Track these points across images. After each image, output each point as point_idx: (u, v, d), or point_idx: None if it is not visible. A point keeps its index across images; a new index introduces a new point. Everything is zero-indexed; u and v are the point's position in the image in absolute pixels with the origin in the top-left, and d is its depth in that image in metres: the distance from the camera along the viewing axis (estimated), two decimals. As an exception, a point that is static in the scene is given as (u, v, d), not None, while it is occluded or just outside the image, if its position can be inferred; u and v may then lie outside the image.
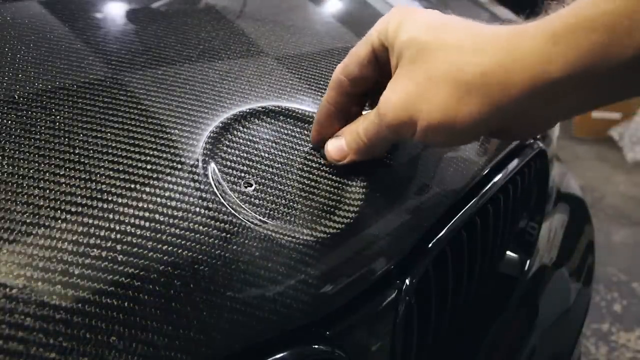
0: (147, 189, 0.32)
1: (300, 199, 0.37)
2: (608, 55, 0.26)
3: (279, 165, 0.38)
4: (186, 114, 0.38)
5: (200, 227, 0.31)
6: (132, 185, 0.32)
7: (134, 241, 0.29)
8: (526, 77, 0.28)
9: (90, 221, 0.30)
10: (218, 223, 0.32)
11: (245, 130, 0.39)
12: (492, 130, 0.33)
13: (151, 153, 0.34)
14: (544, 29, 0.28)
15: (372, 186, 0.39)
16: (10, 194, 0.30)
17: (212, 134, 0.37)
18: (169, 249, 0.30)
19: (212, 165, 0.35)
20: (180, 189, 0.33)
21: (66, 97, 0.37)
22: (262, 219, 0.34)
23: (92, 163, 0.33)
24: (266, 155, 0.38)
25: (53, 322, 0.26)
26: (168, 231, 0.31)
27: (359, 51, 0.36)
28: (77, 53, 0.42)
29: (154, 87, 0.40)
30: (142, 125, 0.36)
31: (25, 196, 0.30)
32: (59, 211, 0.29)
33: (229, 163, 0.36)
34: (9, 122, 0.34)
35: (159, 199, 0.32)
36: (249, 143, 0.38)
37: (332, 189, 0.38)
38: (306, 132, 0.41)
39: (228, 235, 0.32)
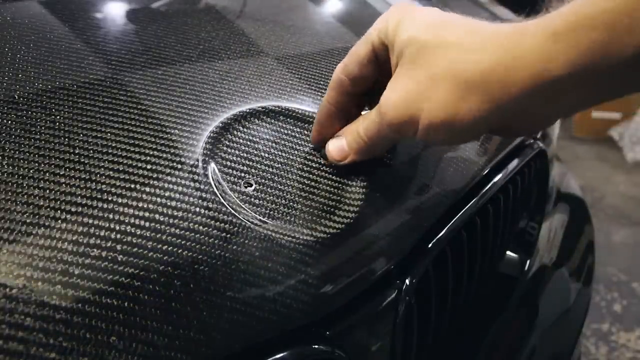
0: (147, 189, 0.32)
1: (300, 199, 0.36)
2: (608, 53, 0.26)
3: (279, 165, 0.38)
4: (186, 114, 0.38)
5: (200, 227, 0.31)
6: (132, 185, 0.32)
7: (134, 241, 0.29)
8: (527, 75, 0.28)
9: (90, 221, 0.30)
10: (218, 223, 0.32)
11: (245, 130, 0.39)
12: (492, 127, 0.33)
13: (151, 153, 0.34)
14: (544, 27, 0.28)
15: (372, 186, 0.39)
16: (10, 194, 0.30)
17: (212, 134, 0.37)
18: (169, 249, 0.30)
19: (212, 165, 0.35)
20: (180, 189, 0.33)
21: (66, 97, 0.37)
22: (262, 219, 0.34)
23: (92, 163, 0.33)
24: (266, 155, 0.38)
25: (53, 322, 0.26)
26: (168, 231, 0.31)
27: (359, 50, 0.36)
28: (77, 53, 0.42)
29: (154, 87, 0.40)
30: (142, 125, 0.36)
31: (25, 196, 0.30)
32: (59, 211, 0.29)
33: (229, 163, 0.36)
34: (9, 122, 0.34)
35: (159, 199, 0.32)
36: (249, 143, 0.38)
37: (332, 189, 0.38)
38: (306, 132, 0.41)
39: (228, 235, 0.32)
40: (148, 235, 0.30)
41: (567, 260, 0.73)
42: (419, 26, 0.32)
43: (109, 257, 0.28)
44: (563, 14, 0.27)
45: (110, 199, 0.31)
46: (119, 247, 0.29)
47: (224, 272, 0.31)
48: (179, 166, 0.34)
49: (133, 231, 0.30)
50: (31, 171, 0.31)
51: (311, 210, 0.36)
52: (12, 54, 0.39)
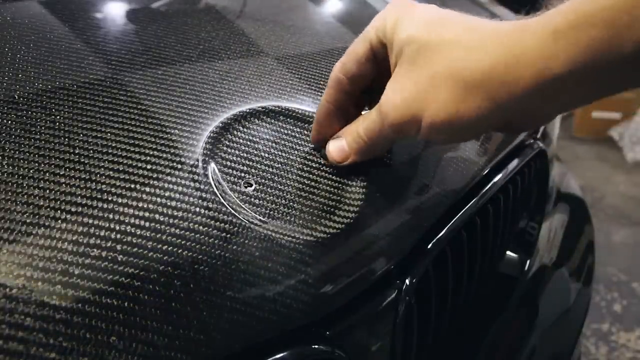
0: (147, 189, 0.32)
1: (300, 199, 0.36)
2: (608, 50, 0.26)
3: (279, 165, 0.38)
4: (186, 114, 0.38)
5: (200, 227, 0.31)
6: (132, 185, 0.32)
7: (134, 241, 0.29)
8: (528, 74, 0.28)
9: (90, 221, 0.30)
10: (218, 223, 0.32)
11: (245, 130, 0.39)
12: (494, 125, 0.33)
13: (151, 153, 0.34)
14: (544, 25, 0.28)
15: (372, 186, 0.39)
16: (10, 194, 0.30)
17: (212, 134, 0.37)
18: (169, 249, 0.30)
19: (212, 165, 0.35)
20: (180, 189, 0.33)
21: (66, 97, 0.37)
22: (262, 219, 0.34)
23: (92, 163, 0.33)
24: (266, 155, 0.38)
25: (53, 322, 0.26)
26: (168, 231, 0.31)
27: (357, 49, 0.36)
28: (77, 53, 0.42)
29: (154, 87, 0.40)
30: (142, 125, 0.36)
31: (25, 196, 0.30)
32: (59, 211, 0.29)
33: (229, 163, 0.36)
34: (9, 122, 0.34)
35: (159, 199, 0.32)
36: (249, 143, 0.38)
37: (332, 189, 0.38)
38: (306, 132, 0.41)
39: (228, 235, 0.32)
40: (148, 235, 0.30)
41: (567, 260, 0.73)
42: (418, 25, 0.32)
43: (109, 257, 0.28)
44: (563, 12, 0.27)
45: (110, 199, 0.31)
46: (119, 247, 0.29)
47: (224, 272, 0.31)
48: (179, 166, 0.34)
49: (133, 231, 0.30)
50: (31, 171, 0.31)
51: (311, 210, 0.36)
52: (12, 54, 0.39)
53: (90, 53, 0.42)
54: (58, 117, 0.35)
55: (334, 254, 0.35)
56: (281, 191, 0.36)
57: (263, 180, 0.36)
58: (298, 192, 0.37)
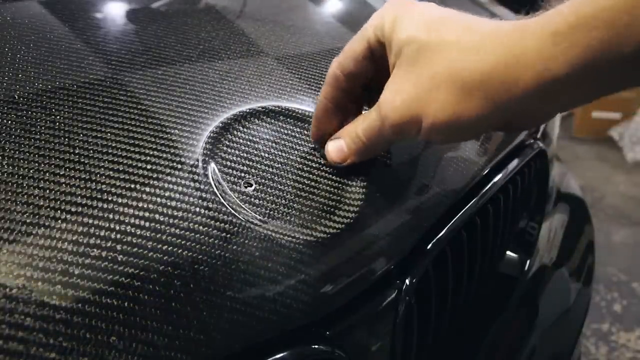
0: (147, 189, 0.32)
1: (301, 199, 0.36)
2: (608, 50, 0.26)
3: (279, 165, 0.38)
4: (186, 114, 0.38)
5: (200, 227, 0.31)
6: (132, 185, 0.32)
7: (134, 241, 0.29)
8: (528, 75, 0.28)
9: (90, 221, 0.30)
10: (218, 223, 0.32)
11: (245, 130, 0.39)
12: (493, 125, 0.33)
13: (151, 153, 0.34)
14: (544, 26, 0.28)
15: (372, 186, 0.39)
16: (10, 194, 0.30)
17: (212, 134, 0.37)
18: (169, 249, 0.30)
19: (212, 165, 0.35)
20: (180, 189, 0.33)
21: (66, 97, 0.37)
22: (262, 219, 0.34)
23: (92, 163, 0.32)
24: (266, 155, 0.38)
25: (53, 322, 0.26)
26: (168, 231, 0.31)
27: (354, 47, 0.36)
28: (77, 53, 0.42)
29: (154, 87, 0.40)
30: (142, 125, 0.36)
31: (25, 196, 0.30)
32: (59, 211, 0.29)
33: (229, 163, 0.36)
34: (9, 122, 0.34)
35: (159, 199, 0.32)
36: (249, 143, 0.38)
37: (332, 189, 0.38)
38: (306, 132, 0.41)
39: (228, 235, 0.32)
40: (148, 235, 0.30)
41: (567, 260, 0.73)
42: (418, 24, 0.32)
43: (109, 257, 0.28)
44: (563, 13, 0.27)
45: (110, 199, 0.31)
46: (119, 247, 0.29)
47: (224, 272, 0.31)
48: (179, 166, 0.34)
49: (133, 231, 0.30)
50: (31, 171, 0.31)
51: (311, 210, 0.36)
52: (12, 54, 0.39)
53: (90, 53, 0.42)
54: (58, 117, 0.35)
55: (334, 254, 0.35)
56: (281, 191, 0.36)
57: (263, 180, 0.36)
58: (298, 192, 0.37)
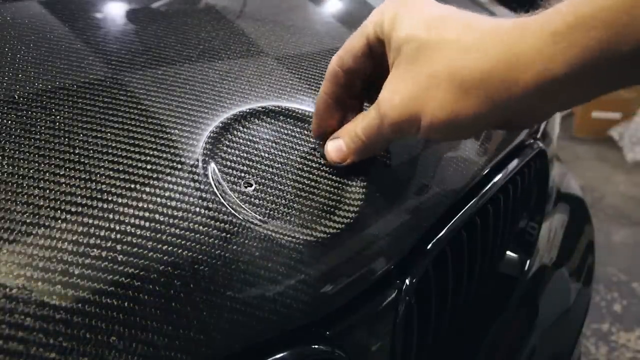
0: (147, 189, 0.32)
1: (301, 199, 0.36)
2: (607, 50, 0.26)
3: (279, 165, 0.38)
4: (186, 114, 0.38)
5: (200, 227, 0.31)
6: (132, 185, 0.32)
7: (134, 241, 0.29)
8: (528, 75, 0.28)
9: (90, 221, 0.30)
10: (218, 223, 0.32)
11: (245, 130, 0.39)
12: (493, 124, 0.33)
13: (151, 153, 0.34)
14: (543, 26, 0.28)
15: (372, 186, 0.39)
16: (10, 194, 0.30)
17: (212, 134, 0.37)
18: (169, 249, 0.30)
19: (212, 165, 0.35)
20: (180, 189, 0.33)
21: (66, 97, 0.37)
22: (262, 219, 0.34)
23: (92, 163, 0.32)
24: (266, 155, 0.38)
25: (53, 322, 0.26)
26: (168, 231, 0.31)
27: (354, 43, 0.36)
28: (77, 53, 0.42)
29: (154, 87, 0.40)
30: (142, 125, 0.36)
31: (25, 196, 0.30)
32: (59, 211, 0.29)
33: (229, 163, 0.36)
34: (9, 122, 0.34)
35: (159, 199, 0.32)
36: (249, 143, 0.38)
37: (332, 189, 0.38)
38: (306, 132, 0.41)
39: (228, 235, 0.32)
40: (148, 235, 0.30)
41: (567, 260, 0.73)
42: (417, 22, 0.32)
43: (109, 257, 0.28)
44: (562, 12, 0.27)
45: (110, 199, 0.31)
46: (119, 247, 0.29)
47: (224, 272, 0.31)
48: (179, 166, 0.34)
49: (133, 231, 0.30)
50: (31, 171, 0.31)
51: (311, 210, 0.36)
52: (12, 54, 0.39)
53: (90, 53, 0.42)
54: (58, 117, 0.35)
55: (334, 254, 0.35)
56: (281, 191, 0.36)
57: (263, 180, 0.36)
58: (298, 192, 0.37)
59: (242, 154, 0.37)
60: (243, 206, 0.34)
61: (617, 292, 1.55)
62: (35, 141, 0.33)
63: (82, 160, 0.32)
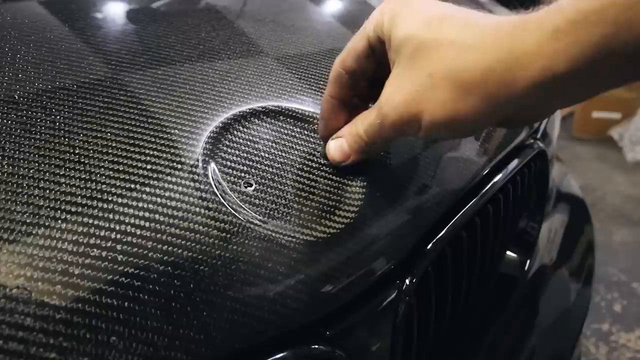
0: (147, 189, 0.32)
1: (301, 199, 0.36)
2: (610, 47, 0.26)
3: (279, 165, 0.38)
4: (186, 114, 0.38)
5: (200, 227, 0.31)
6: (132, 185, 0.32)
7: (134, 241, 0.29)
8: (528, 74, 0.28)
9: (90, 221, 0.30)
10: (218, 223, 0.32)
11: (245, 130, 0.39)
12: (494, 122, 0.33)
13: (151, 153, 0.34)
14: (544, 23, 0.27)
15: (372, 186, 0.39)
16: (10, 194, 0.30)
17: (212, 134, 0.37)
18: (169, 249, 0.30)
19: (212, 165, 0.35)
20: (180, 189, 0.33)
21: (66, 97, 0.37)
22: (262, 219, 0.34)
23: (92, 163, 0.32)
24: (266, 155, 0.38)
25: (53, 322, 0.26)
26: (168, 231, 0.31)
27: (355, 44, 0.36)
28: (77, 53, 0.42)
29: (154, 87, 0.40)
30: (142, 125, 0.36)
31: (25, 196, 0.30)
32: (59, 211, 0.29)
33: (229, 163, 0.36)
34: (9, 122, 0.34)
35: (159, 199, 0.32)
36: (249, 143, 0.38)
37: (332, 189, 0.38)
38: (306, 132, 0.41)
39: (228, 235, 0.32)
40: (148, 235, 0.30)
41: (567, 260, 0.73)
42: (417, 23, 0.32)
43: (109, 257, 0.28)
44: (563, 9, 0.27)
45: (110, 199, 0.31)
46: (119, 247, 0.29)
47: (224, 272, 0.31)
48: (179, 166, 0.34)
49: (133, 231, 0.30)
50: (31, 171, 0.31)
51: (311, 210, 0.36)
52: (12, 54, 0.39)
53: (90, 53, 0.42)
54: (58, 117, 0.35)
55: (334, 254, 0.35)
56: (281, 191, 0.36)
57: (263, 180, 0.36)
58: (298, 192, 0.37)
59: (242, 154, 0.37)
60: (243, 206, 0.34)
61: (617, 292, 1.55)
62: (35, 141, 0.33)
63: (82, 160, 0.32)
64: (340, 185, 0.39)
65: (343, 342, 0.36)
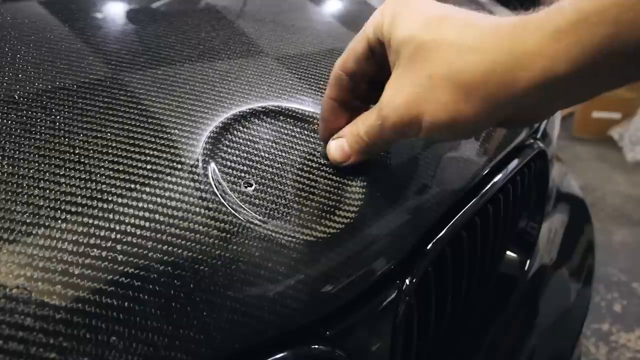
0: (147, 189, 0.32)
1: (301, 199, 0.36)
2: (612, 47, 0.26)
3: (279, 165, 0.38)
4: (186, 114, 0.38)
5: (200, 227, 0.31)
6: (132, 185, 0.32)
7: (134, 241, 0.29)
8: (529, 75, 0.28)
9: (90, 221, 0.30)
10: (218, 223, 0.32)
11: (245, 130, 0.39)
12: (494, 123, 0.33)
13: (151, 153, 0.34)
14: (545, 24, 0.27)
15: (372, 186, 0.39)
16: (10, 194, 0.30)
17: (212, 134, 0.37)
18: (169, 248, 0.30)
19: (212, 165, 0.35)
20: (180, 189, 0.33)
21: (66, 97, 0.37)
22: (262, 219, 0.34)
23: (92, 163, 0.32)
24: (266, 155, 0.38)
25: (53, 322, 0.26)
26: (168, 231, 0.31)
27: (356, 47, 0.36)
28: (77, 53, 0.42)
29: (154, 87, 0.40)
30: (142, 125, 0.36)
31: (25, 196, 0.30)
32: (59, 211, 0.29)
33: (229, 163, 0.36)
34: (9, 122, 0.34)
35: (159, 199, 0.32)
36: (249, 143, 0.38)
37: (332, 189, 0.38)
38: (306, 132, 0.41)
39: (228, 235, 0.32)
40: (148, 235, 0.30)
41: (567, 260, 0.73)
42: (417, 24, 0.32)
43: (109, 257, 0.28)
44: (564, 10, 0.27)
45: (110, 199, 0.31)
46: (119, 247, 0.29)
47: (224, 272, 0.31)
48: (179, 166, 0.34)
49: (133, 231, 0.30)
50: (31, 171, 0.31)
51: (311, 210, 0.36)
52: (12, 54, 0.39)
53: (90, 53, 0.42)
54: (58, 117, 0.35)
55: (334, 254, 0.35)
56: (281, 191, 0.36)
57: (263, 180, 0.36)
58: (298, 192, 0.37)
59: (242, 154, 0.37)
60: (243, 206, 0.34)
61: (617, 292, 1.55)
62: (35, 141, 0.33)
63: (82, 160, 0.32)
64: (340, 185, 0.39)
65: (343, 342, 0.36)
